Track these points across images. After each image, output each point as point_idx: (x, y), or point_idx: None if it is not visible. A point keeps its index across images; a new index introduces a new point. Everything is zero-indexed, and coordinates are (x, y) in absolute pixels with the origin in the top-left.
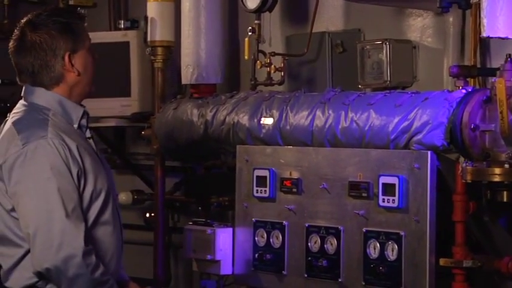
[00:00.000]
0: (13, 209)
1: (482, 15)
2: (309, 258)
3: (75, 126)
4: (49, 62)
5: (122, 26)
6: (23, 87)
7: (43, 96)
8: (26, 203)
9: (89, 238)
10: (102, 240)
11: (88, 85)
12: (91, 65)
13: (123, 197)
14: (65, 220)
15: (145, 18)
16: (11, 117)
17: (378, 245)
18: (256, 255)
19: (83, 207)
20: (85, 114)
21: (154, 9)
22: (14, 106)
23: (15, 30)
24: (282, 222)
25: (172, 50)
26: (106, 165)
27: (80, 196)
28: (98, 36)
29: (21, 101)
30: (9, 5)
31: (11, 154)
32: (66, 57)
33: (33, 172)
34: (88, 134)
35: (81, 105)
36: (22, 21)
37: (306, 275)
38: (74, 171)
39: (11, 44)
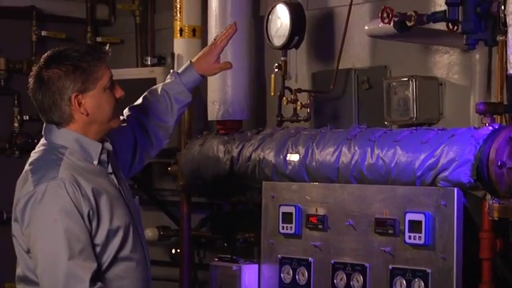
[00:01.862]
0: (29, 250)
1: (508, 52)
2: None
3: (95, 162)
4: (56, 101)
5: (149, 63)
6: (44, 125)
7: (60, 135)
8: (35, 245)
9: (103, 277)
10: (125, 276)
11: (106, 122)
12: (107, 103)
13: (149, 233)
14: (69, 262)
15: (172, 54)
16: (30, 157)
17: (405, 282)
18: None
19: (97, 246)
20: (104, 149)
21: (181, 46)
22: None
23: (33, 66)
24: (308, 259)
25: (199, 87)
26: (131, 199)
27: (93, 235)
28: (125, 73)
29: (42, 139)
30: (37, 42)
31: (23, 195)
32: (73, 98)
33: (42, 214)
34: (110, 169)
35: (105, 139)
36: (41, 57)
37: None
38: (85, 211)
39: (29, 80)
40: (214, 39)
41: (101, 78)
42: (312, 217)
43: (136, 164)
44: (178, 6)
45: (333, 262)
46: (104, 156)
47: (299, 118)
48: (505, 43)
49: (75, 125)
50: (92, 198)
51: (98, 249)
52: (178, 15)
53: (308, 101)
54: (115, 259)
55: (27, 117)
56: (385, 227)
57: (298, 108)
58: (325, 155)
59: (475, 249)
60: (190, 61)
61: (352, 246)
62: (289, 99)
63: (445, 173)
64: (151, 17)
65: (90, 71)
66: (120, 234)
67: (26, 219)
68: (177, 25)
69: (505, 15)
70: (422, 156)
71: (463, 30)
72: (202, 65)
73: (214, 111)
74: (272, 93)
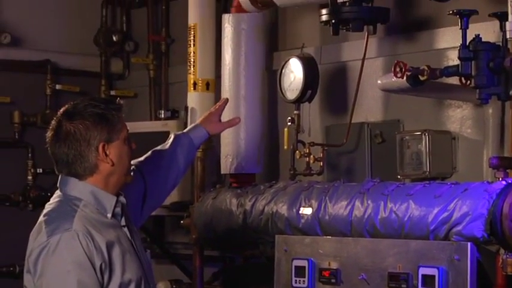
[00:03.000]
0: None
1: None
2: None
3: (109, 215)
4: (83, 152)
5: (163, 116)
6: (59, 177)
7: (76, 187)
8: None
9: None
10: None
11: (124, 175)
12: (126, 155)
13: (162, 286)
14: None
15: (186, 108)
16: (45, 208)
17: None
18: None
19: None
20: (118, 203)
21: (195, 99)
22: None
23: (53, 120)
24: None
25: (212, 140)
26: (143, 253)
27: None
28: (139, 126)
29: (57, 191)
30: (51, 95)
31: (36, 246)
32: (100, 148)
33: (55, 265)
34: (123, 222)
35: (120, 193)
36: (60, 111)
37: None
38: (97, 263)
39: (47, 133)
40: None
41: (122, 129)
42: (324, 271)
43: (146, 210)
44: (192, 60)
45: None
46: (118, 210)
47: (312, 172)
48: None
49: (97, 176)
50: (105, 251)
51: None
52: (192, 68)
53: (321, 155)
54: None
55: (41, 170)
56: (399, 282)
57: (311, 161)
58: (338, 208)
59: None
60: (196, 123)
61: None
62: (302, 153)
63: (459, 227)
64: (165, 70)
65: (114, 122)
66: (132, 287)
67: (39, 270)
68: (191, 79)
69: None
70: (435, 211)
71: (476, 85)
72: (207, 124)
73: (227, 165)
74: (285, 147)
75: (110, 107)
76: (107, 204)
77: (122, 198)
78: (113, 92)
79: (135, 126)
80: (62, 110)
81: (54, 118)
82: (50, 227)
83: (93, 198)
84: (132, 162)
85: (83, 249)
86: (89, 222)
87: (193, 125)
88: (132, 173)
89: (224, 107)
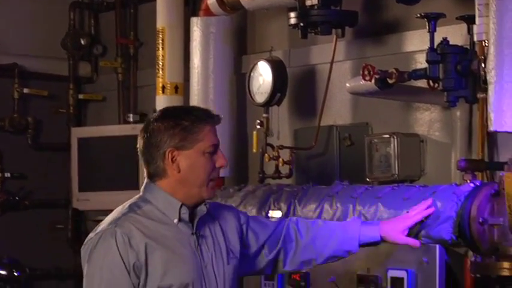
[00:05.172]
0: None
1: (489, 110)
2: None
3: (176, 221)
4: (153, 153)
5: (131, 120)
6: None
7: (147, 188)
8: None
9: None
10: None
11: (197, 187)
12: (202, 167)
13: None
14: None
15: (154, 111)
16: None
17: None
18: None
19: None
20: (183, 208)
21: (163, 103)
22: (23, 200)
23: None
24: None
25: None
26: (217, 266)
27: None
28: (107, 130)
29: None
30: (19, 99)
31: (86, 241)
32: (167, 153)
33: (92, 259)
34: (191, 229)
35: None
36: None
37: None
38: (131, 262)
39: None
40: (407, 212)
41: (201, 140)
42: (294, 274)
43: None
44: (161, 63)
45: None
46: (185, 216)
47: (281, 175)
48: (485, 100)
49: (167, 181)
50: (141, 252)
51: None
52: (161, 72)
53: (290, 158)
54: None
55: (9, 175)
56: (368, 284)
57: (280, 165)
58: (307, 211)
59: None
60: (380, 221)
61: None
62: (271, 156)
63: (427, 230)
64: (134, 74)
65: (190, 131)
66: None
67: (83, 261)
68: (160, 82)
69: (485, 72)
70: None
71: (443, 88)
72: (389, 229)
73: None
74: (254, 150)
75: (191, 115)
76: (171, 209)
77: (202, 208)
78: (81, 96)
79: (104, 130)
80: (158, 111)
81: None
82: (101, 224)
83: (159, 201)
84: (307, 220)
85: (117, 247)
86: (137, 222)
87: (376, 221)
88: (214, 192)
89: (428, 215)
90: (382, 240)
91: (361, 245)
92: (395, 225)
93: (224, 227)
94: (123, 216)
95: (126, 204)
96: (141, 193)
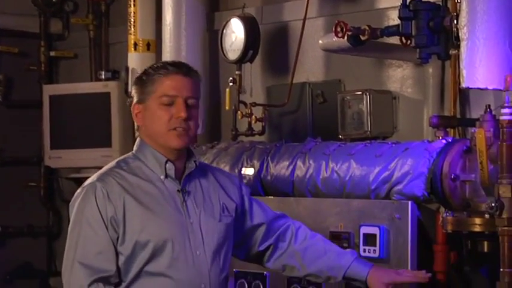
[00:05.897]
0: None
1: (461, 66)
2: None
3: (162, 177)
4: (131, 109)
5: (103, 77)
6: None
7: (138, 146)
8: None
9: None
10: None
11: (160, 137)
12: (159, 118)
13: None
14: (75, 264)
15: (126, 69)
16: None
17: None
18: None
19: (121, 254)
20: (170, 164)
21: (135, 60)
22: None
23: None
24: (263, 273)
25: None
26: (203, 220)
27: (119, 243)
28: (79, 87)
29: None
30: None
31: (75, 194)
32: (132, 107)
33: (73, 213)
34: (178, 186)
35: (190, 160)
36: None
37: None
38: (109, 215)
39: None
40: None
41: (154, 91)
42: None
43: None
44: (132, 20)
45: (288, 276)
46: (171, 172)
47: (254, 132)
48: (457, 57)
49: (142, 134)
50: (119, 206)
51: (123, 258)
52: (133, 29)
53: (263, 115)
54: (144, 273)
55: None
56: (340, 240)
57: (253, 122)
58: (280, 168)
59: (430, 262)
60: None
61: None
62: (243, 113)
63: (399, 186)
64: (106, 31)
65: (144, 83)
66: (149, 248)
67: (70, 216)
68: (131, 39)
69: (457, 29)
70: (376, 170)
71: (416, 44)
72: (377, 275)
73: None
74: (227, 107)
75: (151, 69)
76: (157, 166)
77: (191, 164)
78: (52, 53)
79: (75, 88)
80: None
81: None
82: (89, 179)
83: (148, 158)
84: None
85: (95, 201)
86: (120, 178)
87: (370, 263)
88: (180, 140)
89: (420, 281)
90: (366, 282)
91: (344, 278)
92: (383, 275)
93: (221, 185)
94: (108, 171)
95: (116, 159)
96: (133, 150)
